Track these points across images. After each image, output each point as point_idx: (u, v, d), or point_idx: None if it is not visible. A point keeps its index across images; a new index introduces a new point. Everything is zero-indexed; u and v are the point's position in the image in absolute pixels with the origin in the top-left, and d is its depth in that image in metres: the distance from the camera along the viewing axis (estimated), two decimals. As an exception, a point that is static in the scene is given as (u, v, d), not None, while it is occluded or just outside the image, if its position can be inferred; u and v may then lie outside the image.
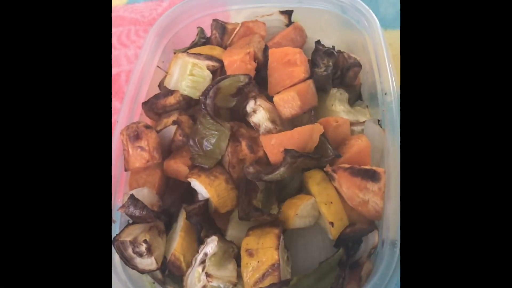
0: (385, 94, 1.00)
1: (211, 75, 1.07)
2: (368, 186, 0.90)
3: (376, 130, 1.01)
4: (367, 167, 0.92)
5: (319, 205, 0.92)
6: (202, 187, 0.95)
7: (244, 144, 0.97)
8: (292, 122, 1.03)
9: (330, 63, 1.09)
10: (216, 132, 0.98)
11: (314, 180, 0.95)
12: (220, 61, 1.09)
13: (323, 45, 1.12)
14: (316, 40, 1.13)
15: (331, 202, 0.91)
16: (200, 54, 1.11)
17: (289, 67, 1.03)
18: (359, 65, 1.13)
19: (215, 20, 1.20)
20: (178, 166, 1.01)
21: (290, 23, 1.23)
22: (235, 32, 1.17)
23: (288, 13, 1.23)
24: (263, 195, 0.96)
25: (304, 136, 0.92)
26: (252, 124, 1.00)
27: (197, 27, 1.25)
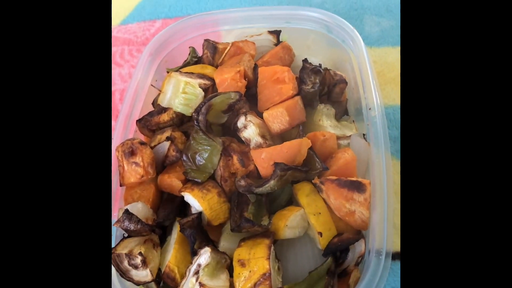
0: (370, 109, 1.04)
1: (203, 93, 1.11)
2: (354, 197, 0.94)
3: (362, 143, 1.05)
4: (353, 178, 0.96)
5: (308, 216, 0.95)
6: (195, 201, 0.98)
7: (235, 158, 1.01)
8: (281, 137, 1.08)
9: (317, 80, 1.13)
10: (209, 147, 1.02)
11: (303, 192, 0.98)
12: (212, 80, 1.13)
13: (310, 63, 1.16)
14: (304, 58, 1.18)
15: (320, 213, 0.95)
16: (192, 73, 1.15)
17: (278, 84, 1.08)
18: (345, 82, 1.18)
19: (206, 40, 1.24)
20: (171, 180, 1.04)
21: (278, 42, 1.28)
22: (226, 51, 1.22)
23: (276, 33, 1.28)
24: (254, 207, 0.99)
25: (293, 150, 0.96)
26: (243, 139, 1.04)
27: (189, 47, 1.30)
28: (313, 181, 0.98)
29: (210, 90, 1.14)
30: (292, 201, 1.03)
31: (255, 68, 1.15)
